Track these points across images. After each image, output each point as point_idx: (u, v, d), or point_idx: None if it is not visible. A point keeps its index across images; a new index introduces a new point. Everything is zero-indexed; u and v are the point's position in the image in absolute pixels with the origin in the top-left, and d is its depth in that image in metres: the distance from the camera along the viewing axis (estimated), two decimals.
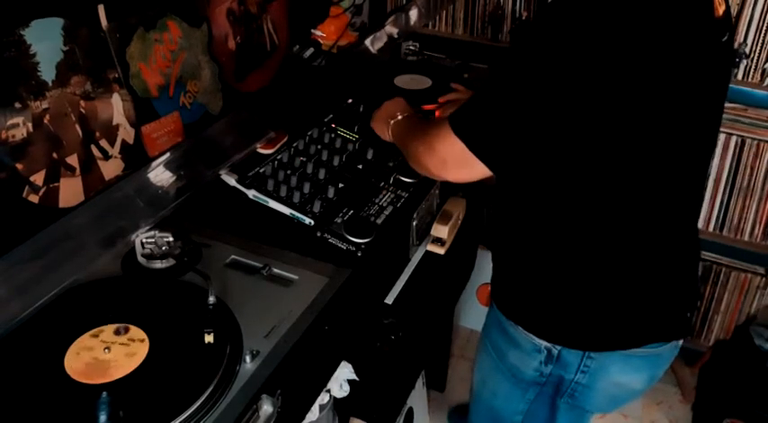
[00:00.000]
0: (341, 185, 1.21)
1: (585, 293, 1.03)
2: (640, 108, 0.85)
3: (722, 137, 1.89)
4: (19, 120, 0.94)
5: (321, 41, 1.64)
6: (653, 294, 1.05)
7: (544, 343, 1.08)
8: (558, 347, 1.07)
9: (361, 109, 1.45)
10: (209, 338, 0.87)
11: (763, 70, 1.80)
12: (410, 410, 1.70)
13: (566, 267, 1.02)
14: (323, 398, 1.08)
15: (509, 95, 0.88)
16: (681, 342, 1.11)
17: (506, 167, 0.95)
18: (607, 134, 0.87)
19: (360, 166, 1.27)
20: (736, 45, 1.79)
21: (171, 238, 1.05)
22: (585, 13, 0.81)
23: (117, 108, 1.11)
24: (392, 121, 1.24)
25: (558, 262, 1.02)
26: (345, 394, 1.11)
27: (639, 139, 0.88)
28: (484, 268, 2.23)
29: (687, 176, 0.99)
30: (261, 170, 1.22)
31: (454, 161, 0.95)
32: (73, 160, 1.05)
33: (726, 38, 0.94)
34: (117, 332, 0.91)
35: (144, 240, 1.04)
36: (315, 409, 1.06)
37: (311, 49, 1.60)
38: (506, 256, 1.13)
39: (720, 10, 0.91)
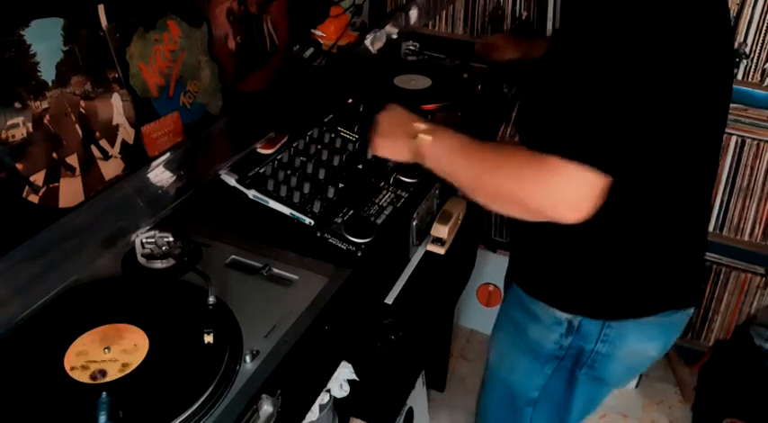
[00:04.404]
0: (341, 185, 1.21)
1: (605, 266, 1.07)
2: (705, 94, 0.90)
3: None
4: (19, 120, 0.94)
5: (321, 41, 1.64)
6: (668, 265, 1.09)
7: (565, 315, 1.12)
8: (579, 318, 1.11)
9: (361, 109, 1.45)
10: (209, 338, 0.87)
11: (763, 70, 1.80)
12: (410, 410, 1.70)
13: (587, 242, 1.05)
14: (323, 398, 1.08)
15: (634, 108, 0.83)
16: (692, 310, 1.16)
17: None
18: (684, 122, 0.90)
19: (360, 166, 1.27)
20: (736, 45, 1.79)
21: (171, 238, 1.05)
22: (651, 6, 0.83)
23: (117, 108, 1.11)
24: (422, 141, 1.03)
25: (580, 238, 1.04)
26: (345, 394, 1.11)
27: (694, 122, 0.92)
28: (484, 268, 2.23)
29: (707, 159, 1.04)
30: (261, 170, 1.22)
31: (592, 200, 0.85)
32: (73, 160, 1.05)
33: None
34: (117, 332, 0.91)
35: (144, 240, 1.04)
36: (315, 409, 1.06)
37: (311, 49, 1.60)
38: (529, 236, 1.15)
39: None
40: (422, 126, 1.05)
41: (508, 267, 1.29)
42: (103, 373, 0.85)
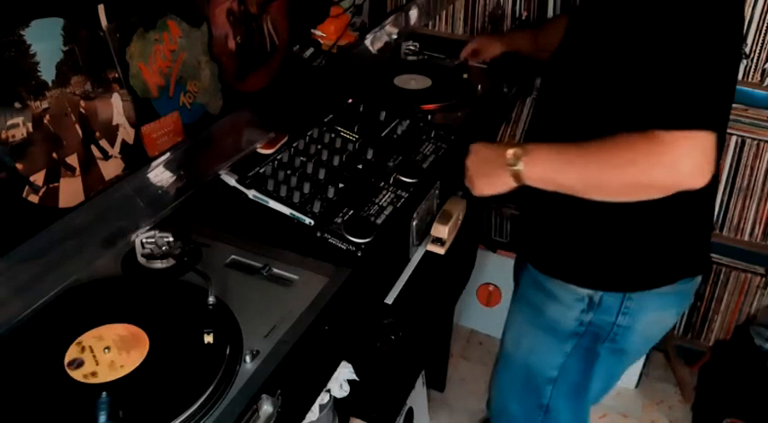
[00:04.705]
0: (341, 185, 1.21)
1: (624, 238, 1.11)
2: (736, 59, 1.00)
3: None
4: (19, 120, 0.94)
5: (321, 41, 1.64)
6: (684, 233, 1.13)
7: (585, 291, 1.16)
8: (600, 293, 1.15)
9: (361, 109, 1.45)
10: (209, 338, 0.87)
11: (763, 70, 1.80)
12: (410, 410, 1.70)
13: (605, 217, 1.08)
14: (323, 398, 1.08)
15: (710, 66, 0.89)
16: (700, 278, 1.21)
17: None
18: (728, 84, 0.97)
19: (360, 166, 1.27)
20: None
21: (171, 238, 1.05)
22: None
23: (117, 108, 1.11)
24: (522, 165, 1.00)
25: (598, 213, 1.07)
26: (345, 394, 1.11)
27: (730, 85, 0.99)
28: (484, 268, 2.23)
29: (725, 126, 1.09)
30: (261, 170, 1.22)
31: (713, 158, 0.88)
32: (73, 160, 1.05)
33: None
34: (117, 332, 0.91)
35: (144, 240, 1.04)
36: (315, 409, 1.06)
37: (311, 49, 1.60)
38: (544, 216, 1.19)
39: None
40: (511, 152, 1.02)
41: (520, 250, 1.32)
42: (103, 372, 0.85)
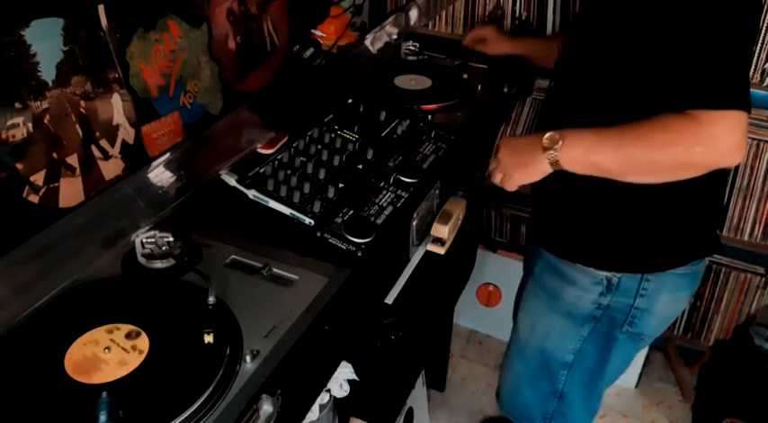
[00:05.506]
0: (341, 185, 1.21)
1: (643, 219, 1.12)
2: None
3: None
4: (19, 120, 0.94)
5: (321, 41, 1.64)
6: (699, 214, 1.15)
7: (604, 273, 1.17)
8: (618, 275, 1.17)
9: (361, 109, 1.45)
10: (209, 338, 0.87)
11: (763, 70, 1.80)
12: (410, 410, 1.70)
13: (624, 198, 1.09)
14: (323, 398, 1.08)
15: (737, 47, 0.93)
16: (707, 260, 1.24)
17: None
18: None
19: (360, 166, 1.27)
20: None
21: (171, 238, 1.05)
22: None
23: (117, 108, 1.11)
24: (559, 149, 1.01)
25: (616, 194, 1.08)
26: (345, 394, 1.11)
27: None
28: (484, 268, 2.23)
29: None
30: (261, 170, 1.22)
31: (746, 136, 0.92)
32: (73, 160, 1.05)
33: None
34: (117, 332, 0.91)
35: (144, 240, 1.04)
36: (315, 408, 1.06)
37: (311, 49, 1.60)
38: (559, 200, 1.19)
39: None
40: (547, 136, 1.02)
41: (531, 237, 1.33)
42: (104, 372, 0.84)
